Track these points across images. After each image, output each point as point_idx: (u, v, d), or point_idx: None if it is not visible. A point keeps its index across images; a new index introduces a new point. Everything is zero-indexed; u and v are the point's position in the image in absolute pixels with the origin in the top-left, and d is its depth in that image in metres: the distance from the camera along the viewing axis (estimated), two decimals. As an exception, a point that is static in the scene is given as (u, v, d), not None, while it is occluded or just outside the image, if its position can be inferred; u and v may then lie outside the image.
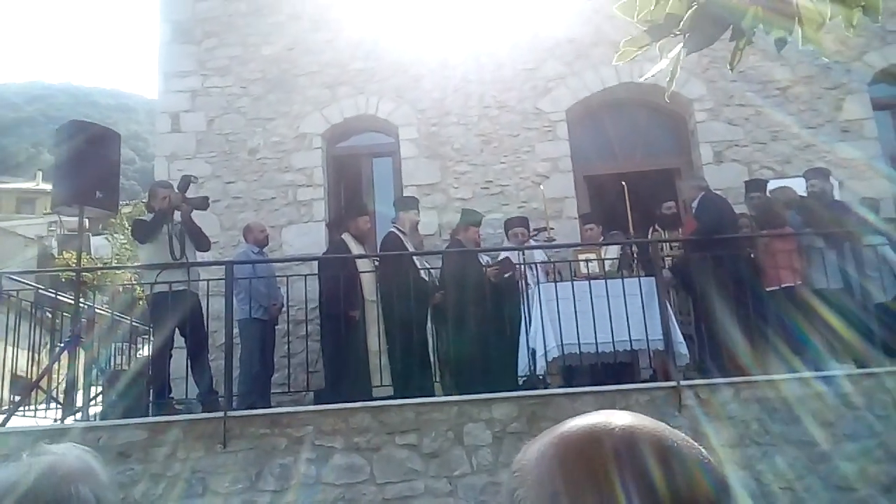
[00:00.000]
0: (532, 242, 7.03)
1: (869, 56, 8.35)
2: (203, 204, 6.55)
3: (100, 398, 6.71)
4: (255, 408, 5.77)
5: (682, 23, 1.40)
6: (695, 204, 6.74)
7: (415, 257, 6.56)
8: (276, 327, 6.89)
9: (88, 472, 0.91)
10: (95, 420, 6.02)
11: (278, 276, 6.98)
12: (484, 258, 6.81)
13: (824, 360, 5.69)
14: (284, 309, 6.88)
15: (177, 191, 6.39)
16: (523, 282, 6.30)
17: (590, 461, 0.63)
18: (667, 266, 6.65)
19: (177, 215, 6.38)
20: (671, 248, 7.04)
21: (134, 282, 9.33)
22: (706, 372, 5.84)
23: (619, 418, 0.67)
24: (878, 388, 5.48)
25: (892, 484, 5.16)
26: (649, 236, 7.39)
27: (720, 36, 1.42)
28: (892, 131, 8.45)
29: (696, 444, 0.66)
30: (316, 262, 6.93)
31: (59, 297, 7.48)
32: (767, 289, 6.24)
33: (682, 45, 1.50)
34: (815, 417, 5.33)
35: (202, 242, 6.56)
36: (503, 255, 6.75)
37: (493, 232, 7.81)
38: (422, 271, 6.53)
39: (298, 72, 8.64)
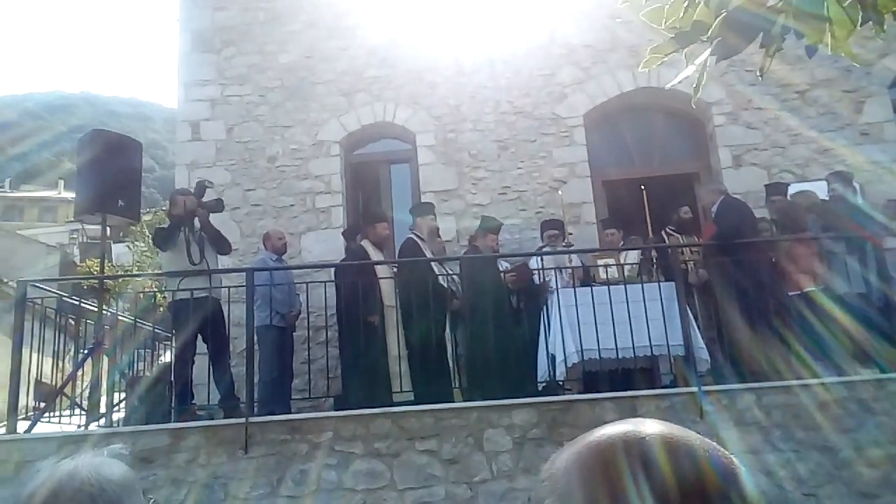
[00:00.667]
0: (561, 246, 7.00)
1: (889, 59, 8.27)
2: (217, 206, 6.59)
3: (122, 404, 6.76)
4: (275, 414, 5.80)
5: (710, 30, 1.39)
6: (714, 208, 6.70)
7: (433, 263, 6.57)
8: (296, 334, 6.92)
9: (102, 488, 0.91)
10: (118, 426, 6.07)
11: (298, 283, 7.03)
12: (503, 264, 6.80)
13: (846, 365, 5.63)
14: (304, 315, 6.92)
15: (193, 196, 6.46)
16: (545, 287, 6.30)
17: (609, 472, 0.62)
18: (694, 269, 6.63)
19: (197, 221, 6.45)
20: (692, 253, 7.00)
21: (155, 288, 9.41)
22: (727, 377, 5.79)
23: (648, 427, 0.66)
24: (902, 394, 5.41)
25: (916, 490, 5.10)
26: (665, 240, 7.36)
27: (749, 43, 1.42)
28: (912, 134, 8.36)
29: (727, 453, 0.66)
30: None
31: (82, 304, 7.56)
32: (789, 293, 6.19)
33: (709, 52, 1.50)
34: (837, 423, 5.27)
35: (223, 245, 6.62)
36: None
37: (510, 237, 7.81)
38: (440, 277, 6.54)
39: (316, 80, 8.70)
